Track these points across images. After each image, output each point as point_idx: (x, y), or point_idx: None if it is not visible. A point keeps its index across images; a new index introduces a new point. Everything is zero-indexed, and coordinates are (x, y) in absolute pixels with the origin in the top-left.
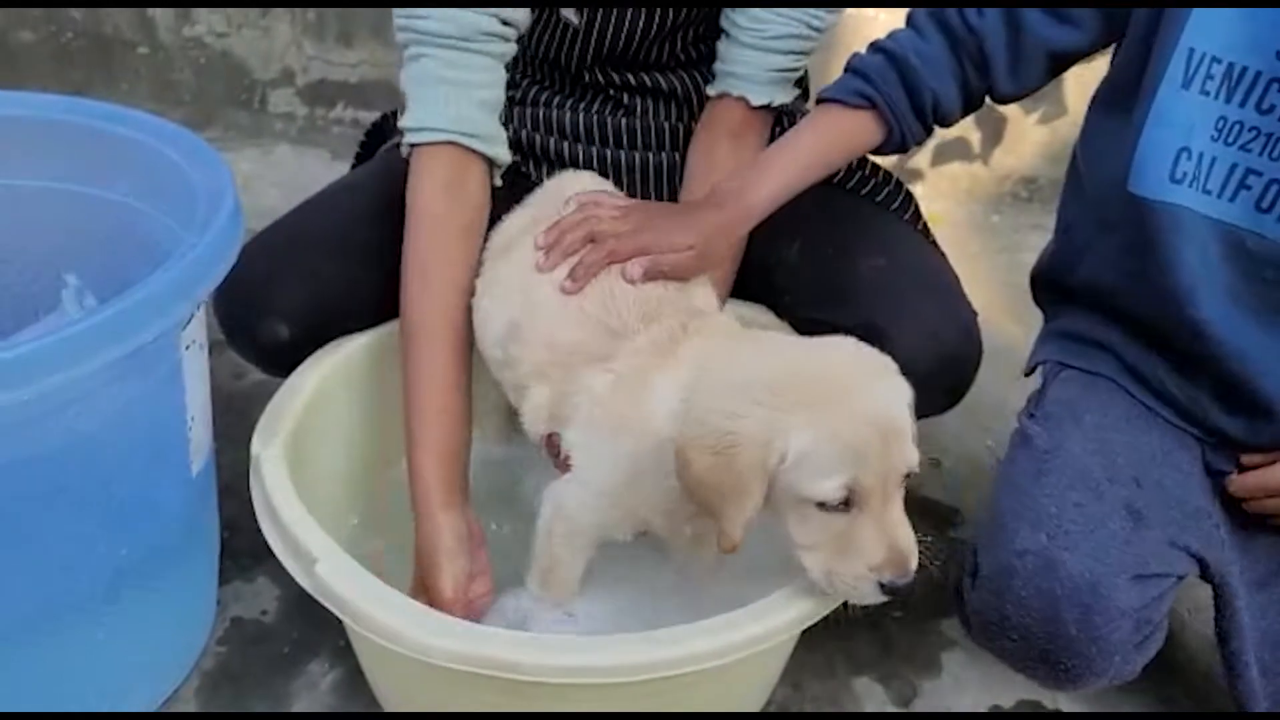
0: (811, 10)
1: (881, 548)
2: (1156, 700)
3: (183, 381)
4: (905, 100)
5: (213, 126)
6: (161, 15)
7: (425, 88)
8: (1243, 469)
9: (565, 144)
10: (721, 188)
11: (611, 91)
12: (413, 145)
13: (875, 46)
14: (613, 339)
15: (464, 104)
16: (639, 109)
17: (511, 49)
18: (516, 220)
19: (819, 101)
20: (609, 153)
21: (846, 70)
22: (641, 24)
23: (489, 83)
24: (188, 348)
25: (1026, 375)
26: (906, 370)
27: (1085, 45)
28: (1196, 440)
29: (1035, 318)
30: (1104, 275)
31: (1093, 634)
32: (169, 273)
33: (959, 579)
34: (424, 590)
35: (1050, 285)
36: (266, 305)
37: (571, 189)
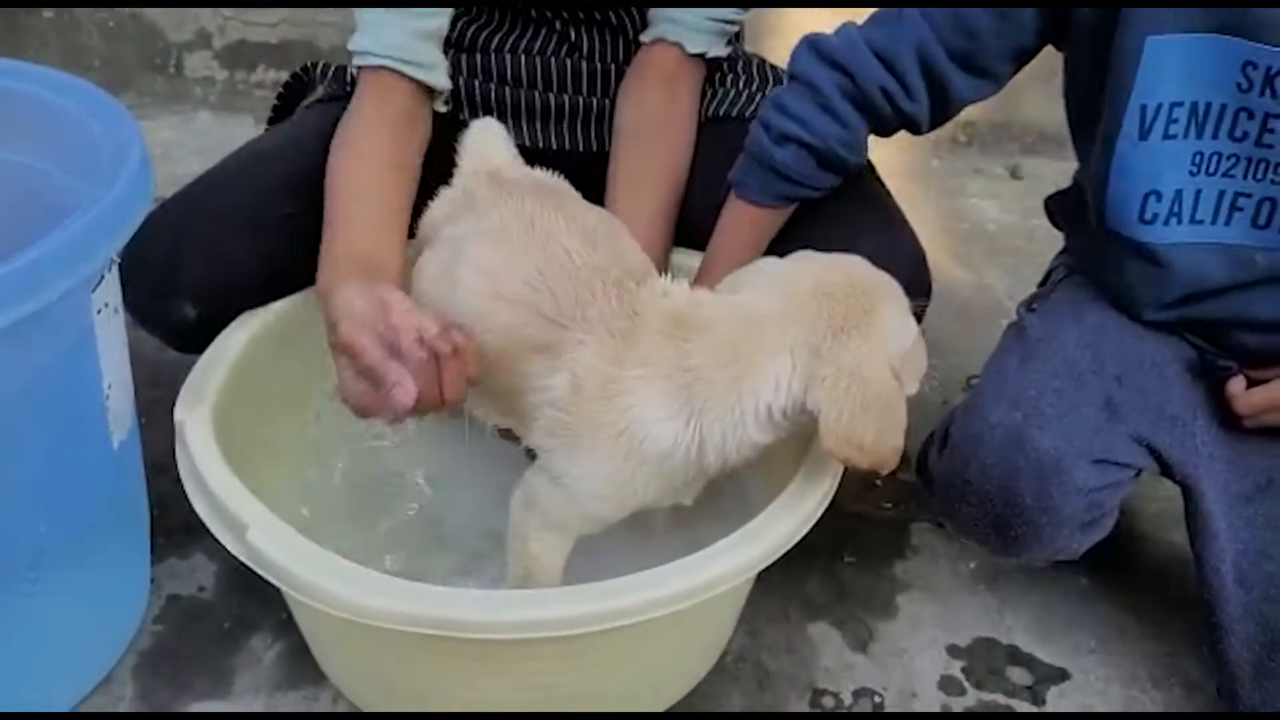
0: None
1: (918, 331)
2: (1109, 629)
3: (96, 347)
4: (828, 179)
5: (127, 93)
6: None
7: (367, 13)
8: (1250, 382)
9: (506, 89)
10: None
11: (558, 25)
12: (359, 68)
13: (785, 131)
14: (550, 325)
15: (401, 32)
16: (585, 46)
17: None
18: (439, 207)
19: (739, 195)
20: (551, 97)
21: (757, 160)
22: None
23: (429, 13)
24: (99, 311)
25: (1040, 286)
26: None
27: (1001, 87)
28: (1196, 351)
29: (981, 260)
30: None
31: (1046, 504)
32: (72, 227)
33: (923, 453)
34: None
35: (1065, 214)
36: (173, 286)
37: (483, 151)
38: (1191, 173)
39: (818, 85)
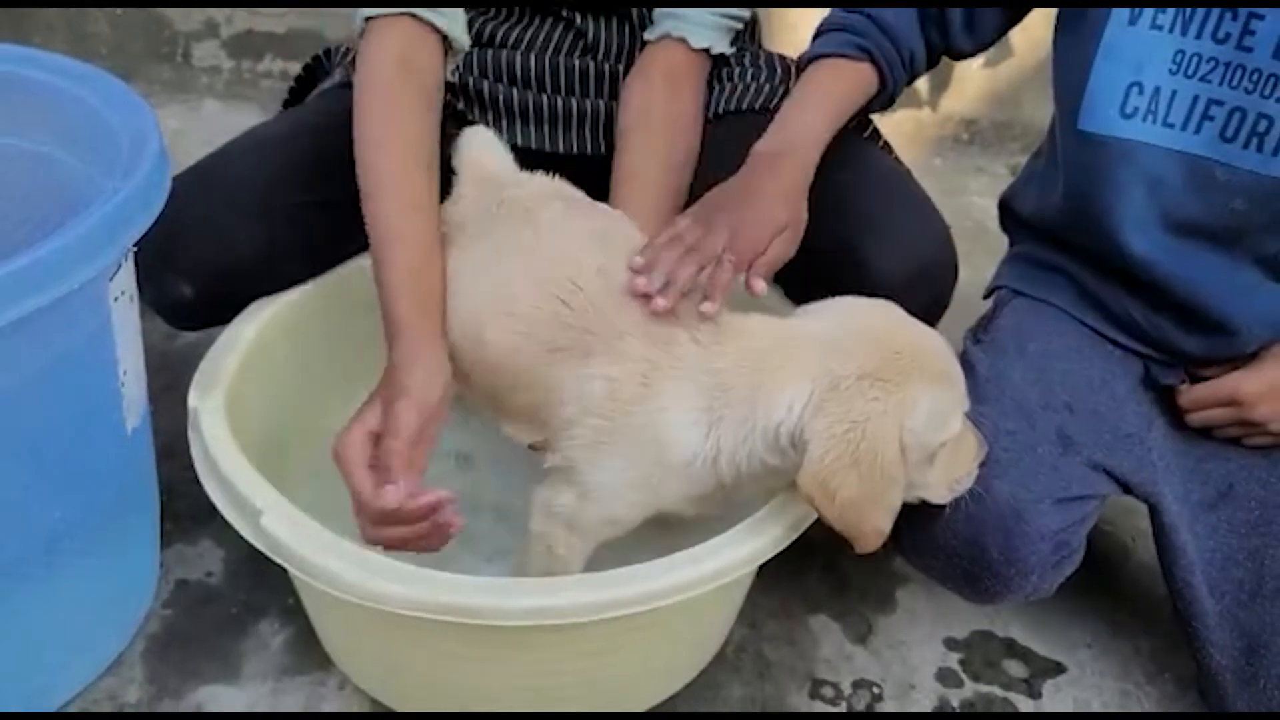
0: None
1: (975, 440)
2: (1104, 624)
3: (113, 335)
4: (895, 54)
5: (134, 81)
6: None
7: None
8: (1194, 381)
9: (514, 91)
10: (765, 152)
11: (565, 13)
12: (367, 19)
13: (849, 11)
14: (578, 334)
15: None
16: (594, 38)
17: None
18: (445, 217)
19: (811, 60)
20: (559, 100)
21: (826, 30)
22: None
23: None
24: (116, 299)
25: (985, 299)
26: (884, 286)
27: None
28: (1141, 359)
29: (982, 259)
30: (1055, 213)
31: (1013, 557)
32: (91, 217)
33: None
34: (372, 418)
35: (1014, 214)
36: (173, 264)
37: (479, 159)
38: (1171, 71)
39: None
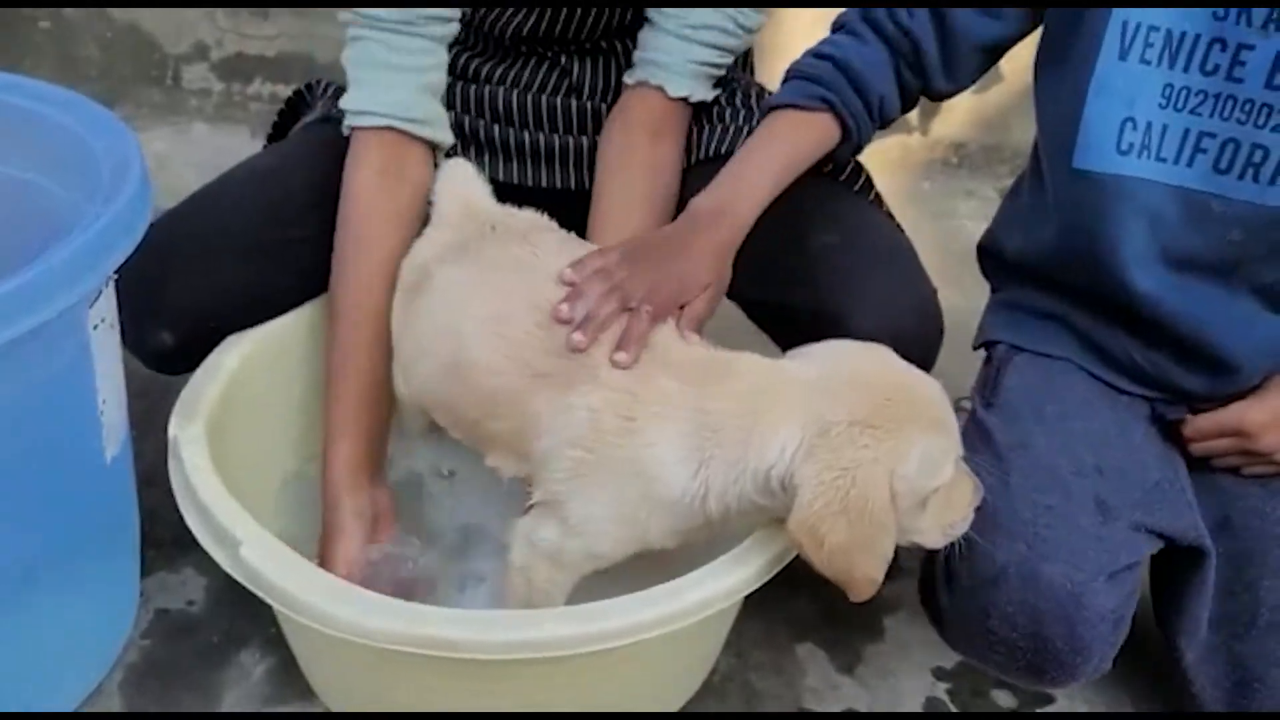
0: (738, 8)
1: (970, 484)
2: None
3: (92, 362)
4: (858, 101)
5: (123, 104)
6: None
7: (365, 70)
8: (1196, 412)
9: (496, 127)
10: (703, 208)
11: (549, 54)
12: (352, 128)
13: (816, 54)
14: (559, 363)
15: (404, 88)
16: (578, 77)
17: (453, 29)
18: (425, 248)
19: (772, 109)
20: (541, 137)
21: (792, 77)
22: (580, 6)
23: (430, 66)
24: (96, 326)
25: (976, 349)
26: None
27: (1014, 34)
28: (1147, 401)
29: (973, 283)
30: (1048, 253)
31: (1077, 645)
32: (73, 244)
33: (927, 574)
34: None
35: (997, 257)
36: (153, 311)
37: (458, 191)
38: (1161, 105)
39: (839, 20)
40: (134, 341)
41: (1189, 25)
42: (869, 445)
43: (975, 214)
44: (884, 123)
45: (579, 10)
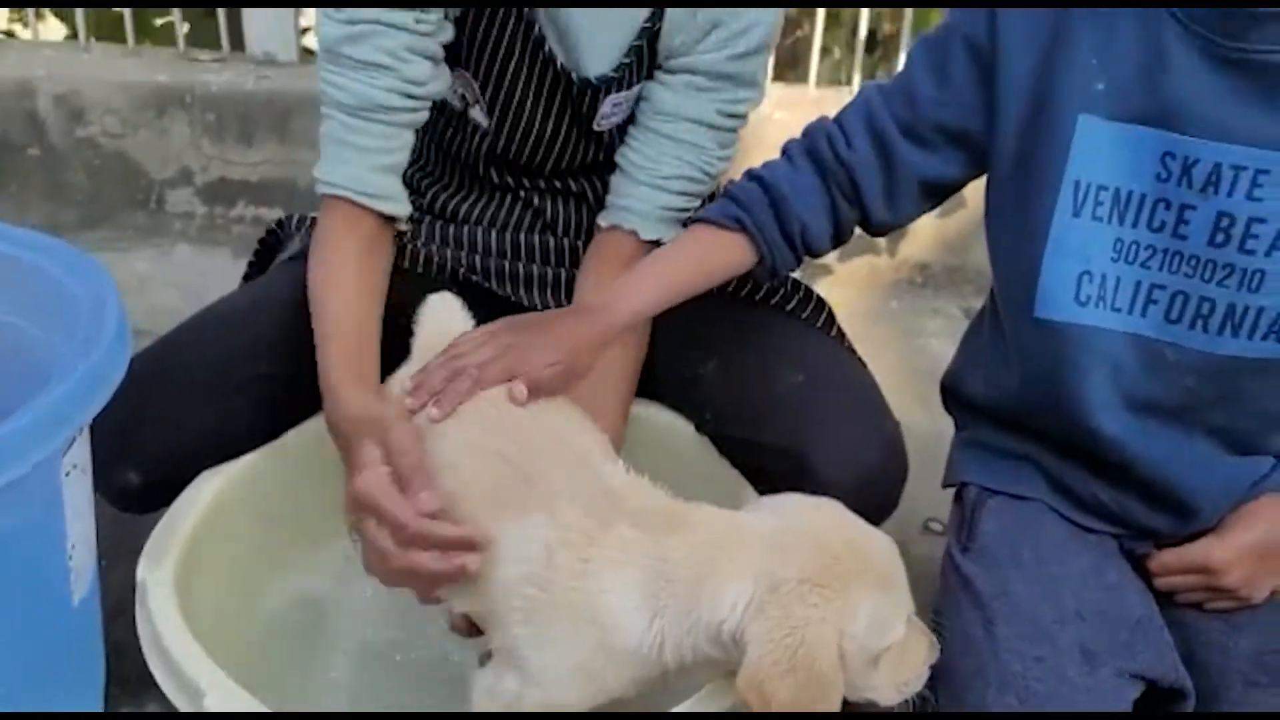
0: (705, 155)
1: (925, 641)
2: None
3: (63, 508)
4: (775, 227)
5: (107, 227)
6: (53, 117)
7: (330, 145)
8: (1161, 548)
9: (477, 258)
10: (587, 300)
11: (522, 193)
12: (321, 194)
13: (750, 175)
14: (523, 488)
15: (360, 166)
16: (551, 216)
17: (420, 116)
18: (397, 385)
19: (692, 222)
20: (520, 266)
21: (721, 194)
22: (552, 131)
23: (388, 149)
24: (68, 473)
25: (945, 487)
26: (830, 493)
27: (955, 175)
28: (1114, 538)
29: (939, 402)
30: (1013, 397)
31: None
32: (49, 397)
33: None
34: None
35: (961, 398)
36: (122, 454)
37: (440, 326)
38: (1113, 258)
39: (784, 145)
40: (100, 483)
41: (1135, 185)
42: (817, 604)
43: (941, 332)
44: (809, 251)
45: (535, 131)
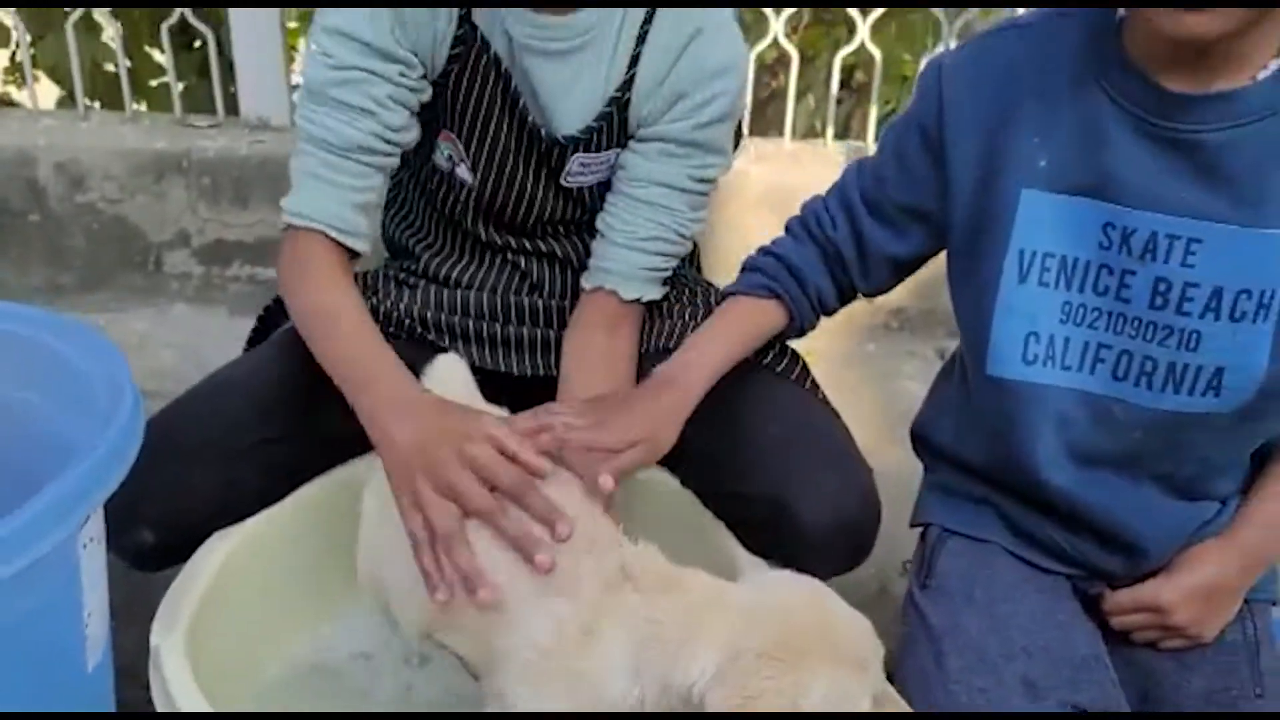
0: (679, 218)
1: (891, 704)
2: None
3: (80, 579)
4: (799, 291)
5: (106, 289)
6: (53, 184)
7: (306, 179)
8: (1114, 589)
9: (469, 321)
10: (658, 375)
11: (509, 254)
12: (288, 225)
13: (764, 250)
14: (533, 579)
15: (334, 202)
16: (537, 278)
17: (392, 162)
18: None
19: (726, 295)
20: (511, 330)
21: (745, 270)
22: (530, 185)
23: (363, 187)
24: (85, 545)
25: (911, 527)
26: (810, 538)
27: (919, 253)
28: (1068, 579)
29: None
30: (973, 447)
31: None
32: (68, 479)
33: None
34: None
35: (929, 444)
36: (133, 517)
37: (446, 389)
38: (1062, 320)
39: (787, 223)
40: (114, 544)
41: (1080, 253)
42: (772, 676)
43: (916, 374)
44: (825, 311)
45: (516, 183)
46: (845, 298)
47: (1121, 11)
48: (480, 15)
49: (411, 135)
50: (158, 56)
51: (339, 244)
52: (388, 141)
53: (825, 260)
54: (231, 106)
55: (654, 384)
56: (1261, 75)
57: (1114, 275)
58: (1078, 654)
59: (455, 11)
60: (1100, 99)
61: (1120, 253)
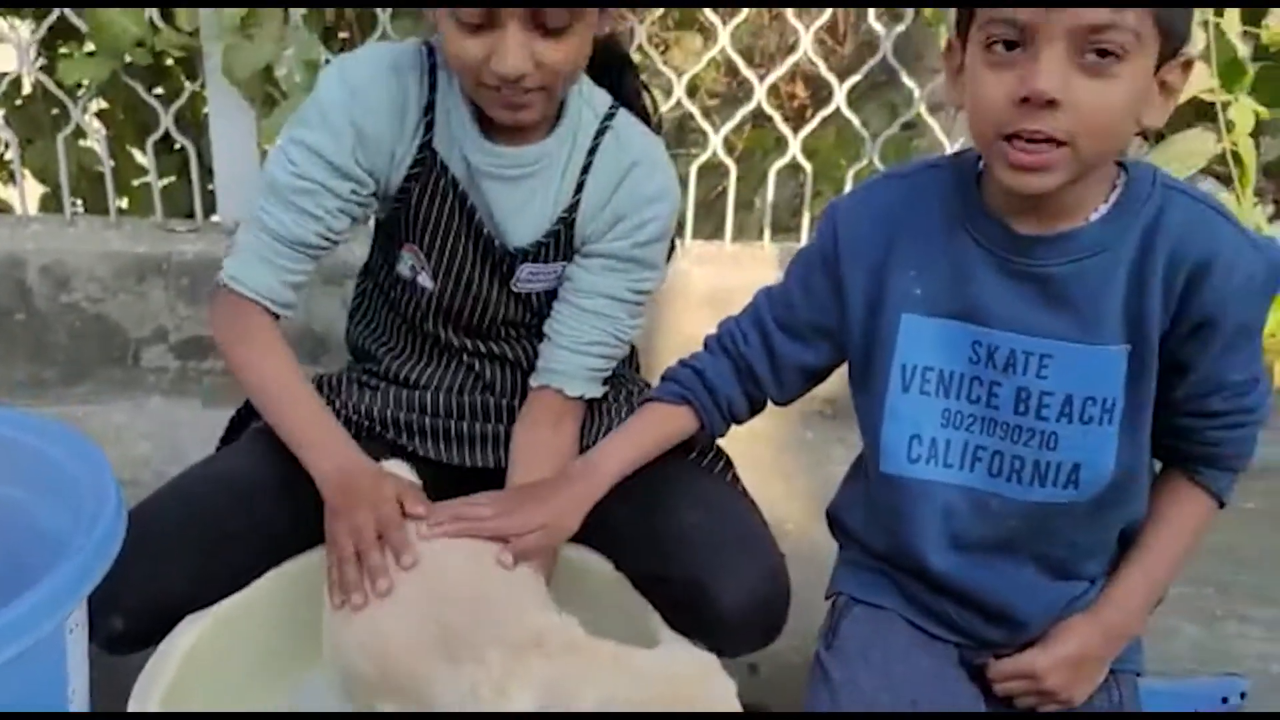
0: (618, 325)
1: None
2: None
3: (66, 663)
4: (710, 401)
5: (86, 382)
6: (39, 285)
7: (250, 255)
8: (998, 658)
9: (426, 419)
10: (570, 469)
11: (464, 356)
12: (226, 286)
13: (682, 363)
14: (457, 640)
15: (274, 280)
16: (490, 379)
17: (326, 252)
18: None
19: (644, 402)
20: (464, 425)
21: (664, 379)
22: (485, 289)
23: (298, 270)
24: (71, 631)
25: (826, 599)
26: (728, 619)
27: (826, 363)
28: (957, 648)
29: None
30: (873, 537)
31: None
32: (59, 575)
33: None
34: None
35: (841, 527)
36: (105, 608)
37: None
38: (943, 424)
39: (705, 339)
40: (90, 630)
41: (954, 366)
42: None
43: (844, 460)
44: (735, 420)
45: (473, 288)
46: (755, 408)
47: (980, 166)
48: (440, 141)
49: (346, 235)
50: (139, 157)
51: (273, 314)
52: (327, 240)
53: (737, 374)
54: (209, 204)
55: (564, 477)
56: (1094, 217)
57: (983, 386)
58: (961, 708)
59: (415, 138)
60: (966, 240)
61: (987, 367)
